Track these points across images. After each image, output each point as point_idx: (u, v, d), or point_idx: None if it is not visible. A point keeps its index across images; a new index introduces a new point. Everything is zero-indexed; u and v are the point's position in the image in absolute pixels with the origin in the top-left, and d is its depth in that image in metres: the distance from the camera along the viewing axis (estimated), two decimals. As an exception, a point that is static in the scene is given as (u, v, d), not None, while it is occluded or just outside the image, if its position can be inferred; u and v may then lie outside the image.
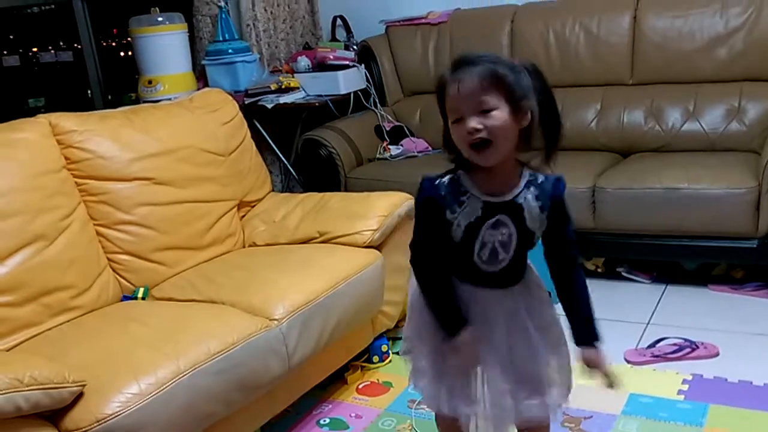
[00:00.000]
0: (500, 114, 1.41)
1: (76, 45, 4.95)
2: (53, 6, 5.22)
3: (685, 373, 2.36)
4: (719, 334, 2.58)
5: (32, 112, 2.45)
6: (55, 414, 1.64)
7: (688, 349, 2.49)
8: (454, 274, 1.58)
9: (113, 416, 1.62)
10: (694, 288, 3.00)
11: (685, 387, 2.29)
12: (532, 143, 1.49)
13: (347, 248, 2.44)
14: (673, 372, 2.38)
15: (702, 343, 2.51)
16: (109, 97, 4.78)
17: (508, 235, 1.51)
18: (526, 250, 1.57)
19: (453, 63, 1.46)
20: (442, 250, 1.54)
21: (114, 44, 5.30)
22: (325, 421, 2.32)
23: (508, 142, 1.45)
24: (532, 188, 1.51)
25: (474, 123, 1.41)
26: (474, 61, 1.43)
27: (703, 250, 2.91)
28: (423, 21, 3.94)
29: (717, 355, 2.47)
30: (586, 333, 1.59)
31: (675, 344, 2.53)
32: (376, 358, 2.60)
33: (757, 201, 2.76)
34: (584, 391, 2.29)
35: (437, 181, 1.51)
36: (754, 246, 2.80)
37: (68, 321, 2.11)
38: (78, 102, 4.86)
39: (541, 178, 1.52)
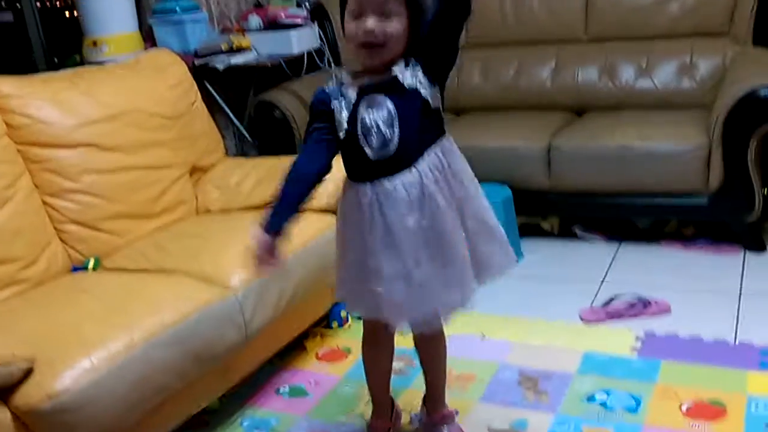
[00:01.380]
0: (398, 22, 1.48)
1: (17, 5, 4.74)
2: (-10, -37, 4.97)
3: (638, 331, 2.41)
4: (671, 292, 2.63)
5: (-29, 77, 2.35)
6: (5, 391, 1.60)
7: (641, 307, 2.53)
8: (355, 177, 1.60)
9: (64, 391, 1.59)
10: (646, 246, 3.05)
11: (638, 344, 2.34)
12: (417, 51, 1.53)
13: (302, 214, 2.40)
14: (626, 329, 2.43)
15: (654, 300, 2.56)
16: (56, 59, 4.59)
17: (387, 111, 1.53)
18: (419, 122, 1.56)
19: None
20: (322, 147, 1.59)
21: (58, 4, 5.09)
22: (284, 388, 2.31)
23: (397, 48, 1.51)
24: (409, 66, 1.53)
25: (372, 23, 1.46)
26: None
27: (655, 207, 2.96)
28: (376, -22, 3.86)
29: (669, 311, 2.52)
30: None
31: (628, 302, 2.57)
32: (335, 324, 2.60)
33: (708, 157, 2.80)
34: (540, 351, 2.33)
35: (327, 88, 1.59)
36: (705, 202, 2.85)
37: (15, 294, 2.06)
38: (21, 65, 4.66)
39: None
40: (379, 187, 1.58)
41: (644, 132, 2.93)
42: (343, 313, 2.61)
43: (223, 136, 3.22)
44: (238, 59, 3.52)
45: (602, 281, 2.79)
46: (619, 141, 2.92)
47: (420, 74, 1.53)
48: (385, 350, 1.91)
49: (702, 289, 2.65)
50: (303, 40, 3.66)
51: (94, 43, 3.52)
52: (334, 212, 2.42)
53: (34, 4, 4.48)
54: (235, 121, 3.79)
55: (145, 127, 2.51)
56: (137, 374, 1.72)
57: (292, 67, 3.65)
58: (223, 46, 3.55)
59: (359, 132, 1.56)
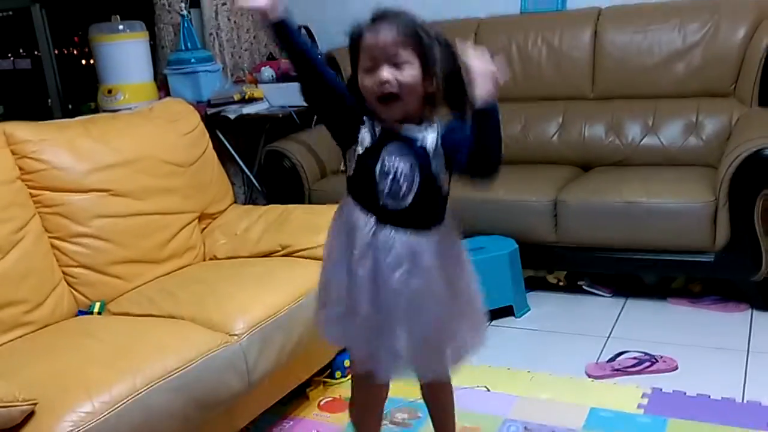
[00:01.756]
0: (412, 70, 1.50)
1: (35, 52, 4.85)
2: (11, 12, 5.11)
3: (645, 387, 2.38)
4: (678, 348, 2.61)
5: (-9, 120, 2.40)
6: (5, 434, 1.59)
7: (648, 363, 2.51)
8: (359, 200, 1.60)
9: (65, 436, 1.57)
10: (653, 302, 3.04)
11: (645, 401, 2.31)
12: (436, 109, 1.57)
13: (309, 261, 2.41)
14: (633, 386, 2.40)
15: (661, 357, 2.53)
16: (70, 106, 4.68)
17: (410, 165, 1.54)
18: (432, 191, 1.58)
19: (374, 14, 1.52)
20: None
21: (75, 52, 5.21)
22: (285, 437, 2.29)
23: (414, 101, 1.52)
24: (430, 129, 1.56)
25: (386, 73, 1.48)
26: (397, 15, 1.52)
27: (662, 263, 2.95)
28: (387, 33, 3.94)
29: (676, 368, 2.49)
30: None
31: (635, 358, 2.55)
32: (338, 374, 2.57)
33: (714, 215, 2.81)
34: (545, 406, 2.31)
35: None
36: (711, 260, 2.85)
37: (20, 337, 2.06)
38: (38, 111, 4.76)
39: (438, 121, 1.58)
40: (381, 230, 1.58)
41: (651, 188, 2.95)
42: (346, 363, 2.59)
43: (233, 184, 3.26)
44: (249, 109, 3.59)
45: (608, 336, 2.77)
46: (625, 197, 2.93)
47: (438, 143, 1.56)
48: (378, 409, 1.87)
49: (709, 346, 2.63)
50: (314, 91, 3.71)
51: (109, 91, 3.60)
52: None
53: (52, 51, 4.59)
54: (245, 169, 3.83)
55: (156, 174, 2.54)
56: (139, 419, 1.71)
57: (302, 118, 3.71)
58: (236, 96, 3.63)
59: (377, 169, 1.57)
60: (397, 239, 1.58)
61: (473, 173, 1.56)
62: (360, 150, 1.58)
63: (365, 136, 1.57)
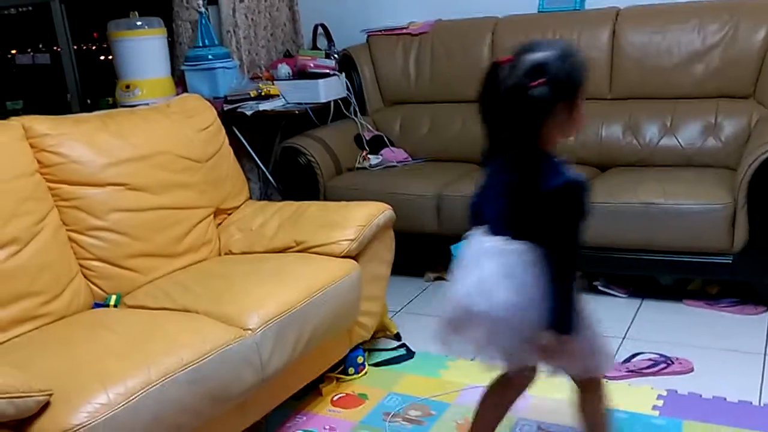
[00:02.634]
0: None
1: (54, 48, 4.90)
2: (31, 8, 5.16)
3: (660, 389, 2.37)
4: (694, 350, 2.59)
5: (10, 115, 2.42)
6: (21, 423, 1.59)
7: (663, 365, 2.49)
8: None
9: (80, 426, 1.58)
10: (669, 303, 3.01)
11: (660, 403, 2.29)
12: None
13: (324, 258, 2.42)
14: (648, 387, 2.39)
15: (677, 359, 2.51)
16: (89, 101, 4.72)
17: None
18: None
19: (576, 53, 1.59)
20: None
21: (94, 48, 5.25)
22: (298, 432, 2.29)
23: None
24: None
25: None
26: None
27: (678, 265, 2.93)
28: (404, 31, 3.94)
29: (691, 370, 2.47)
30: None
31: (650, 359, 2.53)
32: (351, 370, 2.58)
33: (733, 217, 2.78)
34: (559, 406, 2.29)
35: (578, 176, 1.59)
36: (729, 262, 2.82)
37: (37, 328, 2.07)
38: (56, 105, 4.80)
39: None
40: None
41: (668, 189, 2.92)
42: (360, 359, 2.59)
43: (248, 180, 3.27)
44: (266, 106, 3.60)
45: (624, 337, 2.76)
46: (642, 198, 2.91)
47: None
48: (514, 395, 1.89)
49: (726, 349, 2.61)
50: (330, 89, 3.73)
51: (127, 87, 3.62)
52: (354, 258, 2.45)
53: (71, 47, 4.62)
54: (261, 165, 3.85)
55: (172, 169, 2.55)
56: (153, 412, 1.72)
57: (318, 115, 3.71)
58: (252, 93, 3.64)
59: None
60: None
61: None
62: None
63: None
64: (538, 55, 1.54)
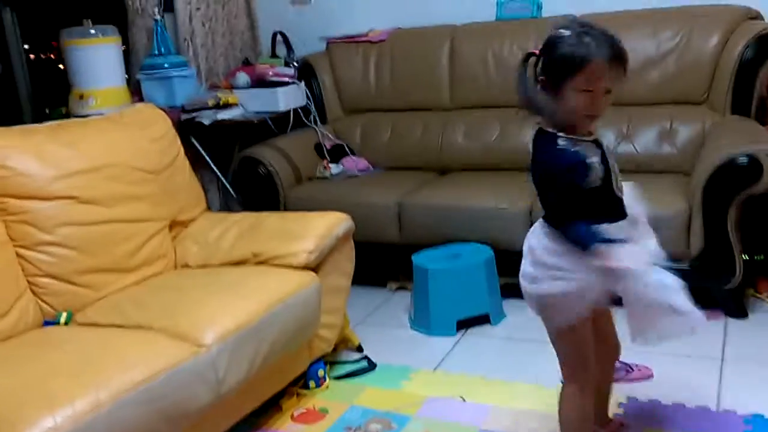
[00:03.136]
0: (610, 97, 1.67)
1: (6, 56, 4.77)
2: (-19, 15, 5.02)
3: (621, 396, 2.37)
4: (653, 356, 2.59)
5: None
6: (-38, 450, 1.54)
7: (623, 372, 2.49)
8: (609, 217, 1.73)
9: (25, 452, 1.53)
10: (629, 309, 3.02)
11: (620, 410, 2.29)
12: None
13: (282, 270, 2.38)
14: (608, 394, 2.39)
15: (636, 366, 2.52)
16: (47, 110, 4.61)
17: (615, 160, 1.75)
18: None
19: (611, 46, 1.64)
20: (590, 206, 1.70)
21: (53, 56, 5.13)
22: (257, 449, 2.25)
23: None
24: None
25: (604, 103, 1.65)
26: (624, 53, 1.66)
27: (637, 271, 2.94)
28: (364, 39, 3.93)
29: (651, 377, 2.48)
30: None
31: (610, 366, 2.53)
32: (312, 384, 2.54)
33: (688, 223, 2.81)
34: (521, 415, 2.29)
35: (572, 149, 1.67)
36: (686, 268, 2.84)
37: (-18, 348, 2.00)
38: (9, 116, 4.68)
39: None
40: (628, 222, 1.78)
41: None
42: (320, 372, 2.55)
43: (206, 191, 3.22)
44: (224, 115, 3.55)
45: (584, 345, 2.76)
46: (600, 204, 2.93)
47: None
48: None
49: (684, 355, 2.62)
50: (290, 97, 3.69)
51: (81, 96, 3.54)
52: (313, 269, 2.42)
53: (23, 55, 4.51)
54: (220, 176, 3.79)
55: (125, 181, 2.49)
56: (103, 434, 1.67)
57: (278, 124, 3.68)
58: (210, 102, 3.58)
59: (613, 178, 1.73)
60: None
61: None
62: (598, 182, 1.69)
63: (599, 169, 1.68)
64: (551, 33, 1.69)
